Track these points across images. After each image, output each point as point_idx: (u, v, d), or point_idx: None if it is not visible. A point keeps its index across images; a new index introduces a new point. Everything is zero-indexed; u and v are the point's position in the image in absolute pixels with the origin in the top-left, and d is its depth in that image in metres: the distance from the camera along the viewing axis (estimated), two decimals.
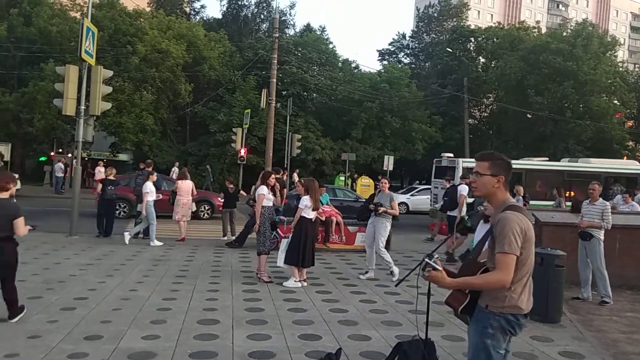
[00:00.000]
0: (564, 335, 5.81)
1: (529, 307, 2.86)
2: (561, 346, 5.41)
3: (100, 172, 21.10)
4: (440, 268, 2.84)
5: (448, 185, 13.32)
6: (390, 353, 4.45)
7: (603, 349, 5.46)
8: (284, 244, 8.02)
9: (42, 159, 33.47)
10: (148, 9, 36.58)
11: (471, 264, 2.96)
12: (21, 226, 5.25)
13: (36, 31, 29.14)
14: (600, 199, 7.43)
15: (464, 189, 11.59)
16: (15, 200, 5.78)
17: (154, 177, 11.23)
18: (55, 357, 4.44)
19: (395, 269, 8.39)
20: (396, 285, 4.29)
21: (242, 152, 24.27)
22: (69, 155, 29.63)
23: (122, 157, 36.40)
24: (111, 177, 12.13)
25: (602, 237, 7.37)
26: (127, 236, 10.98)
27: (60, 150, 32.52)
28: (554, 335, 5.76)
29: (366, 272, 8.63)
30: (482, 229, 4.46)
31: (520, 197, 13.80)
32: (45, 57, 27.34)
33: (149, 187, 11.08)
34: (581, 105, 34.71)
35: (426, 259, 2.89)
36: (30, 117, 27.13)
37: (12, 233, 5.22)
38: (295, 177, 23.99)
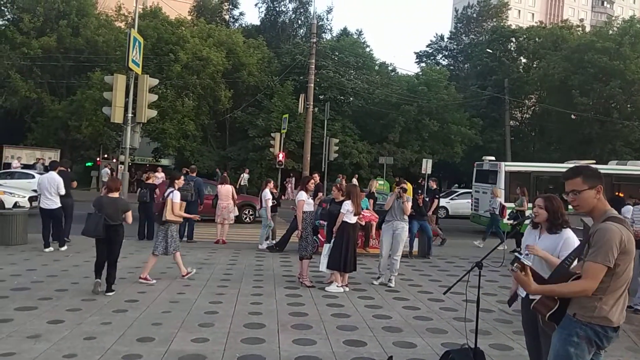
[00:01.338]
0: (616, 345, 5.59)
1: (621, 320, 2.81)
2: (615, 357, 5.24)
3: (157, 177, 21.83)
4: (530, 264, 2.83)
5: None
6: None
7: None
8: (326, 248, 8.07)
9: (89, 164, 34.73)
10: (189, 18, 37.50)
11: (563, 270, 2.93)
12: (129, 216, 7.16)
13: (83, 41, 30.35)
14: None
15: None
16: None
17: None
18: (111, 359, 4.62)
19: (393, 283, 8.23)
20: (444, 294, 4.26)
21: (280, 156, 24.50)
22: (114, 160, 30.68)
23: (164, 162, 37.38)
24: (150, 181, 12.44)
25: None
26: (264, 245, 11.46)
27: (106, 155, 33.68)
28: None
29: (379, 277, 8.51)
30: (529, 234, 4.38)
31: (524, 197, 13.54)
32: (92, 66, 28.47)
33: (267, 195, 11.42)
34: (629, 106, 33.42)
35: (516, 254, 2.88)
36: (78, 124, 28.24)
37: (123, 221, 7.07)
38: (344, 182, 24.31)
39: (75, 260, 9.34)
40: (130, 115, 12.26)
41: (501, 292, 7.91)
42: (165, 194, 7.99)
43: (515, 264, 2.85)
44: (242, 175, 26.41)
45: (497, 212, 13.97)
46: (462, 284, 4.42)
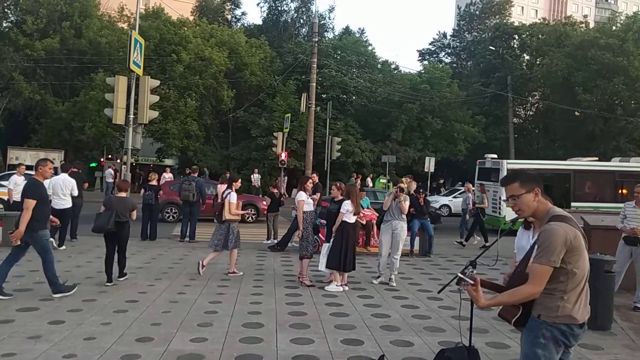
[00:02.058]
0: (614, 343, 5.63)
1: (585, 316, 2.82)
2: (612, 355, 5.26)
3: (164, 177, 22.05)
4: (471, 282, 2.85)
5: None
6: None
7: None
8: (325, 248, 8.11)
9: (93, 165, 34.91)
10: (191, 18, 37.59)
11: (519, 275, 2.94)
12: (134, 214, 7.98)
13: (86, 42, 30.51)
14: None
15: None
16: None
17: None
18: (110, 359, 4.67)
19: (394, 282, 8.27)
20: (439, 292, 4.29)
21: (283, 156, 24.54)
22: (118, 161, 30.84)
23: (168, 162, 37.51)
24: (152, 182, 12.52)
25: None
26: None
27: (110, 156, 33.84)
28: (604, 343, 5.59)
29: (379, 277, 8.54)
30: (522, 235, 4.40)
31: (484, 195, 13.52)
32: (95, 68, 28.62)
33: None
34: (633, 102, 33.26)
35: (459, 274, 2.91)
36: (81, 125, 28.40)
37: (129, 218, 7.82)
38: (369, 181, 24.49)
39: (77, 261, 9.42)
40: (132, 116, 12.32)
41: None
42: (224, 195, 8.58)
43: (462, 283, 2.88)
44: (252, 176, 26.31)
45: (469, 208, 13.91)
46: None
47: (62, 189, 10.46)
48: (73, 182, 10.67)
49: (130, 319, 5.84)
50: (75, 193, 10.69)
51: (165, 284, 7.70)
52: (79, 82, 30.27)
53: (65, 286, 6.86)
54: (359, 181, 23.24)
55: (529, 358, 2.83)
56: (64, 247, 10.64)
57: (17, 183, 11.03)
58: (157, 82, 13.60)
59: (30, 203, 6.40)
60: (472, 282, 2.87)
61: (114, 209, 7.60)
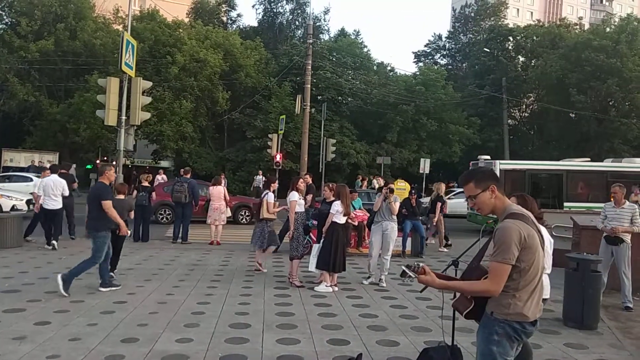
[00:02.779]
0: (600, 342, 5.65)
1: (537, 314, 2.83)
2: (597, 354, 5.27)
3: (158, 179, 22.04)
4: (413, 275, 2.89)
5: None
6: (417, 359, 4.45)
7: None
8: (315, 248, 8.12)
9: (88, 167, 34.84)
10: (186, 20, 37.60)
11: (473, 269, 2.95)
12: (132, 214, 8.93)
13: (81, 44, 30.49)
14: (627, 202, 7.18)
15: None
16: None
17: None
18: (94, 359, 4.66)
19: (384, 283, 8.27)
20: (421, 291, 4.30)
21: (278, 157, 24.54)
22: (114, 163, 30.75)
23: (164, 163, 37.48)
24: (145, 184, 12.54)
25: (630, 242, 7.14)
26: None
27: (105, 158, 33.77)
28: (590, 342, 5.61)
29: (369, 277, 8.53)
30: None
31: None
32: (90, 69, 28.59)
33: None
34: (627, 103, 33.46)
35: (403, 267, 2.95)
36: (76, 127, 28.35)
37: (127, 218, 8.37)
38: (376, 183, 23.83)
39: (68, 263, 9.35)
40: (124, 118, 12.31)
41: None
42: (262, 195, 9.15)
43: (407, 276, 2.91)
44: (255, 177, 26.12)
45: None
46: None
47: (53, 190, 10.69)
48: (63, 182, 10.89)
49: (116, 320, 5.83)
50: (66, 193, 10.94)
51: (155, 285, 7.69)
52: (73, 83, 30.26)
53: (66, 284, 7.01)
54: (365, 183, 23.17)
55: (485, 355, 2.84)
56: (54, 242, 10.83)
57: (44, 187, 11.08)
58: (149, 84, 13.59)
59: (109, 204, 7.17)
60: (414, 275, 2.90)
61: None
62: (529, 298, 2.78)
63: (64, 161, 26.58)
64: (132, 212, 8.86)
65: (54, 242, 10.79)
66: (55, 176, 10.93)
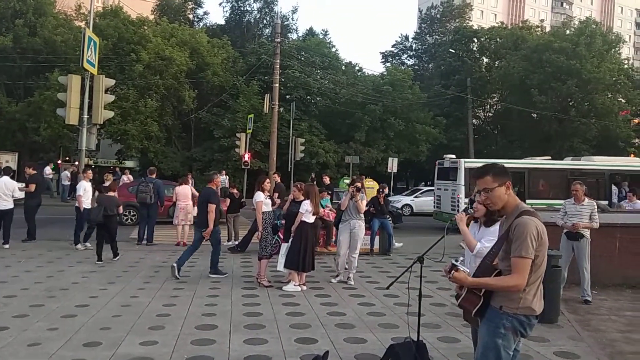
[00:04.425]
0: (560, 335, 5.82)
1: (541, 308, 2.94)
2: (557, 346, 5.43)
3: (123, 179, 21.57)
4: (467, 270, 2.96)
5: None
6: (384, 355, 4.50)
7: (599, 349, 5.46)
8: (283, 248, 8.09)
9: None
10: (151, 17, 36.92)
11: (486, 267, 3.02)
12: (120, 209, 10.30)
13: (41, 41, 29.51)
14: (587, 199, 7.41)
15: None
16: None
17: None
18: None
19: (352, 281, 8.33)
20: (387, 288, 4.34)
21: (246, 157, 24.37)
22: (76, 163, 29.91)
23: (129, 164, 36.70)
24: (106, 184, 12.25)
25: (589, 237, 7.38)
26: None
27: (67, 158, 32.83)
28: (550, 335, 5.77)
29: (337, 275, 8.56)
30: (471, 228, 4.52)
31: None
32: (51, 67, 27.70)
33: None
34: (586, 104, 34.61)
35: (453, 261, 3.00)
36: (36, 126, 27.46)
37: (116, 212, 9.92)
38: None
39: (27, 266, 9.08)
40: (86, 116, 11.98)
41: (454, 287, 8.07)
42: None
43: (453, 271, 2.97)
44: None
45: None
46: (408, 278, 4.50)
47: (5, 191, 10.79)
48: (15, 184, 11.04)
49: (78, 324, 5.67)
50: (17, 195, 11.04)
51: (119, 288, 7.52)
52: (33, 81, 29.26)
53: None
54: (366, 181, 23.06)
55: (489, 347, 2.92)
56: (7, 246, 10.79)
57: (86, 189, 11.13)
58: (112, 82, 13.27)
59: (213, 207, 8.38)
60: (466, 269, 2.98)
61: (103, 205, 9.71)
62: (536, 292, 2.90)
63: (25, 162, 25.70)
64: (120, 208, 10.20)
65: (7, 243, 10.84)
66: (7, 178, 11.04)
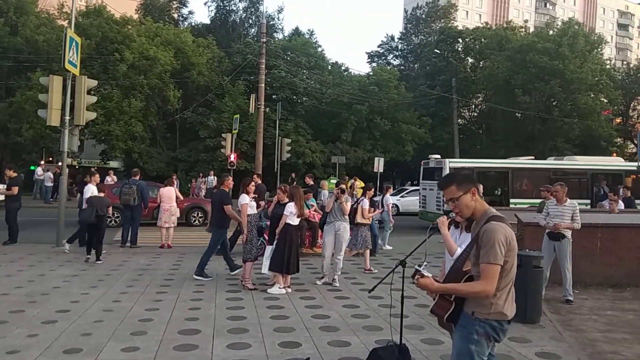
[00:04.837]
0: (542, 335, 5.88)
1: (512, 313, 2.95)
2: (538, 347, 5.48)
3: (107, 180, 21.21)
4: (429, 275, 2.92)
5: None
6: (366, 359, 4.50)
7: (580, 349, 5.53)
8: (268, 250, 8.06)
9: (32, 168, 33.35)
10: (135, 16, 36.55)
11: (456, 272, 3.02)
12: (110, 209, 10.59)
13: (23, 40, 29.07)
14: (569, 200, 7.50)
15: None
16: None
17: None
18: None
19: (337, 283, 8.34)
20: (370, 292, 4.34)
21: (232, 157, 24.23)
22: (60, 163, 29.51)
23: (113, 164, 36.34)
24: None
25: (571, 238, 7.47)
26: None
27: (50, 159, 32.41)
28: (532, 336, 5.83)
29: (322, 277, 8.55)
30: (452, 233, 4.54)
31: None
32: (33, 67, 27.30)
33: (388, 200, 11.75)
34: (569, 104, 35.02)
35: (416, 267, 2.97)
36: (18, 127, 27.02)
37: (107, 213, 10.26)
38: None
39: (7, 270, 8.94)
40: (67, 118, 11.80)
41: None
42: (357, 201, 9.87)
43: (416, 277, 2.95)
44: (207, 178, 25.48)
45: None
46: (390, 280, 4.50)
47: None
48: None
49: (58, 330, 5.59)
50: None
51: (101, 292, 7.43)
52: (14, 81, 28.80)
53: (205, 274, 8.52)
54: (358, 182, 22.95)
55: (463, 353, 2.92)
56: None
57: (93, 192, 10.79)
58: (94, 82, 13.09)
59: (229, 208, 8.58)
60: (428, 274, 2.94)
61: (95, 206, 9.94)
62: (507, 297, 2.90)
63: (11, 163, 25.32)
64: (110, 208, 10.50)
65: None
66: None
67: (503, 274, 2.82)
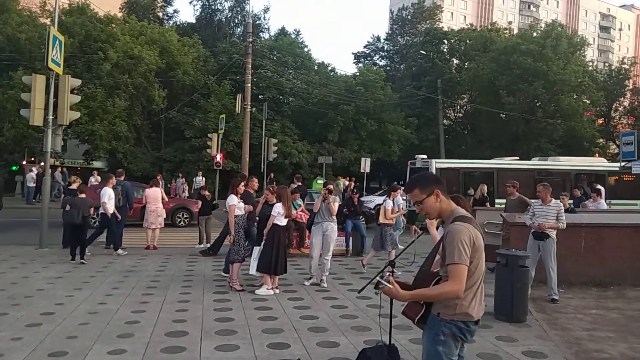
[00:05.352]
0: (528, 334, 5.94)
1: (480, 314, 2.93)
2: (525, 346, 5.53)
3: (91, 181, 20.90)
4: (390, 286, 2.90)
5: None
6: (356, 359, 4.50)
7: (566, 348, 5.59)
8: (255, 251, 8.03)
9: (14, 168, 32.79)
10: (120, 15, 36.16)
11: (425, 274, 3.02)
12: (92, 210, 10.84)
13: (4, 39, 28.57)
14: (554, 200, 7.59)
15: None
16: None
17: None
18: None
19: (325, 283, 8.34)
20: (359, 292, 4.34)
21: (218, 157, 24.13)
22: (42, 164, 29.05)
23: (97, 164, 35.91)
24: (73, 187, 12.02)
25: (556, 237, 7.55)
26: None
27: (32, 159, 31.87)
28: (519, 335, 5.88)
29: (310, 278, 8.54)
30: (440, 233, 4.56)
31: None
32: (15, 65, 26.83)
33: (399, 201, 10.64)
34: (552, 105, 35.45)
35: (378, 278, 2.97)
36: (0, 127, 26.55)
37: (90, 214, 10.52)
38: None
39: None
40: (51, 117, 11.63)
41: None
42: (382, 202, 10.05)
43: (380, 286, 2.95)
44: (195, 179, 25.23)
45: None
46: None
47: None
48: None
49: (43, 333, 5.50)
50: None
51: (86, 294, 7.33)
52: None
53: None
54: (352, 183, 23.00)
55: (431, 355, 2.92)
56: None
57: (110, 196, 10.73)
58: (78, 82, 12.92)
59: (250, 208, 8.62)
60: (388, 284, 2.93)
61: (79, 207, 9.98)
62: (473, 298, 2.87)
63: None
64: (92, 209, 10.64)
65: None
66: None
67: (468, 274, 2.80)
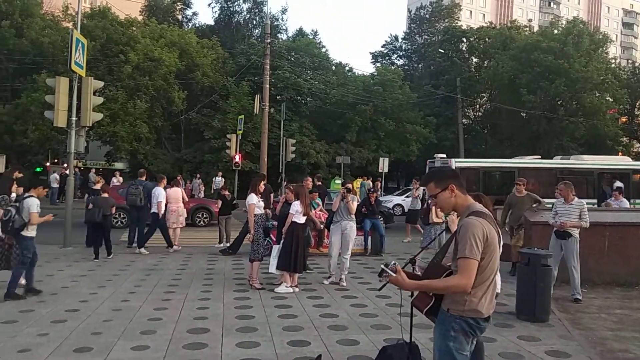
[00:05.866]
0: (551, 334, 5.86)
1: (490, 310, 2.90)
2: (548, 345, 5.46)
3: (113, 182, 21.26)
4: (395, 275, 2.89)
5: None
6: (376, 357, 4.48)
7: (590, 347, 5.50)
8: (275, 249, 8.07)
9: (38, 169, 33.49)
10: (140, 18, 36.70)
11: (436, 266, 3.00)
12: (114, 209, 10.94)
13: (28, 43, 29.25)
14: (576, 198, 7.47)
15: None
16: None
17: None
18: None
19: (344, 282, 8.32)
20: (379, 290, 4.34)
21: (237, 158, 24.28)
22: (65, 165, 29.63)
23: (118, 165, 36.47)
24: (97, 187, 12.26)
25: (578, 236, 7.43)
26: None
27: (56, 160, 32.56)
28: (541, 334, 5.81)
29: (329, 277, 8.52)
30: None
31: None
32: (38, 69, 27.46)
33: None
34: (574, 103, 34.90)
35: (382, 266, 2.96)
36: (24, 129, 27.19)
37: (111, 213, 10.73)
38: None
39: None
40: (74, 119, 11.86)
41: None
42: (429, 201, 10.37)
43: (384, 275, 2.93)
44: (214, 179, 25.60)
45: None
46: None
47: None
48: None
49: (69, 329, 5.62)
50: None
51: (109, 292, 7.46)
52: (20, 83, 28.98)
53: None
54: (370, 182, 23.13)
55: (442, 351, 2.90)
56: None
57: (164, 196, 11.24)
58: (100, 84, 13.17)
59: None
60: (393, 273, 2.91)
61: (101, 206, 10.27)
62: (484, 295, 2.84)
63: (16, 164, 25.45)
64: (114, 208, 10.84)
65: None
66: None
67: (479, 270, 2.76)
